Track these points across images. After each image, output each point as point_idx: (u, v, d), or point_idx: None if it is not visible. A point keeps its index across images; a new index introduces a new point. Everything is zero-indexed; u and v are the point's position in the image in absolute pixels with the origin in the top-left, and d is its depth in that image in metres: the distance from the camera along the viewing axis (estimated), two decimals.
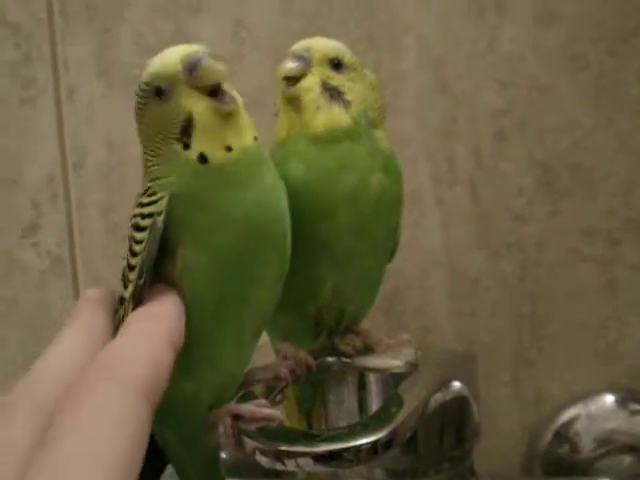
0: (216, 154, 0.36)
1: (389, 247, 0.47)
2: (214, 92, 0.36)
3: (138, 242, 0.36)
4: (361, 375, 0.48)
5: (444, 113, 0.59)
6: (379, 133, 0.44)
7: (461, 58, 0.58)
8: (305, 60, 0.42)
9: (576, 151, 0.58)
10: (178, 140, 0.36)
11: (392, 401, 0.43)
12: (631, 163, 0.58)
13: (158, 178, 0.36)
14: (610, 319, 0.59)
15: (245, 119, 0.37)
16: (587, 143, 0.58)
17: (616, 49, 0.57)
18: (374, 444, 0.39)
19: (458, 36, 0.58)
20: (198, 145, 0.36)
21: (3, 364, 0.66)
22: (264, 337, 0.43)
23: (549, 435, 0.60)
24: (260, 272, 0.38)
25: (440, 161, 0.59)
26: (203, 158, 0.36)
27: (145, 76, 0.36)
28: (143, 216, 0.36)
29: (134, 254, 0.36)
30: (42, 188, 0.64)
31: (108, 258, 0.64)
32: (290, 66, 0.42)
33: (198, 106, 0.36)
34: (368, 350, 0.49)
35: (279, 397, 0.45)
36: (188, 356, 0.37)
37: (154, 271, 0.36)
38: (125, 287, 0.36)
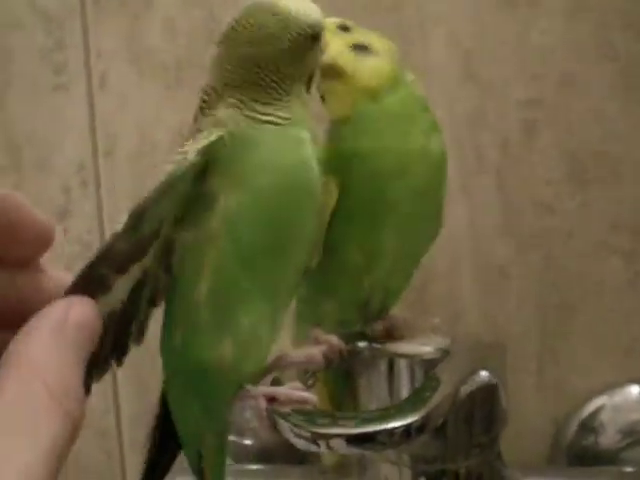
0: None
1: (439, 223, 0.48)
2: None
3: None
4: (391, 361, 0.49)
5: (473, 104, 0.59)
6: (409, 75, 0.46)
7: (490, 49, 0.59)
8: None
9: (605, 141, 0.58)
10: (307, 83, 0.39)
11: (425, 386, 0.43)
12: None
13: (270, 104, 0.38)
14: (635, 311, 0.59)
15: None
16: (616, 133, 0.58)
17: None
18: (407, 427, 0.39)
19: (488, 27, 0.59)
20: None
21: None
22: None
23: (574, 425, 0.60)
24: (300, 228, 0.39)
25: (468, 151, 0.59)
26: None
27: (302, 22, 0.38)
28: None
29: None
30: (73, 174, 0.65)
31: None
32: None
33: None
34: (399, 336, 0.50)
35: (311, 381, 0.45)
36: (227, 311, 0.38)
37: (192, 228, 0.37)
38: None
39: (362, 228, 0.44)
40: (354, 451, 0.42)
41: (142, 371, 0.64)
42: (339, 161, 0.43)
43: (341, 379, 0.51)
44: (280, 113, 0.38)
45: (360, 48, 0.44)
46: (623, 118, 0.58)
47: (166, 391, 0.42)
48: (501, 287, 0.60)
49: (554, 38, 0.58)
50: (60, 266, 0.31)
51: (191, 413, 0.42)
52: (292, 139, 0.38)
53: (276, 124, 0.37)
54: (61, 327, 0.26)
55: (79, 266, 0.30)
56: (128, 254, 0.34)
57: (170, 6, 0.61)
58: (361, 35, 0.44)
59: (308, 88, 0.40)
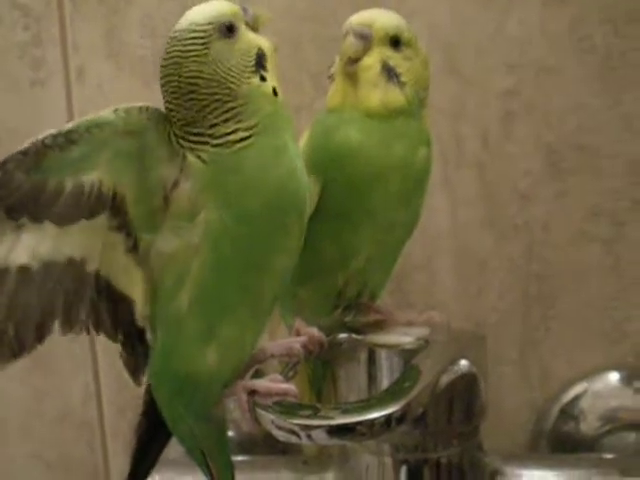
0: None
1: (416, 222, 0.48)
2: None
3: None
4: (371, 351, 0.49)
5: (452, 95, 0.59)
6: (424, 112, 0.46)
7: (470, 41, 0.59)
8: (367, 39, 0.44)
9: (582, 132, 0.59)
10: (254, 73, 0.38)
11: (405, 376, 0.43)
12: (637, 144, 0.58)
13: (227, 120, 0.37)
14: (616, 299, 0.60)
15: None
16: (593, 124, 0.58)
17: (622, 31, 0.57)
18: (387, 418, 0.39)
19: (467, 19, 0.59)
20: (271, 79, 0.38)
21: None
22: None
23: (555, 412, 0.61)
24: (283, 240, 0.39)
25: (448, 143, 0.59)
26: (275, 92, 0.38)
27: (199, 17, 0.37)
28: None
29: None
30: None
31: None
32: (353, 46, 0.44)
33: (262, 42, 0.39)
34: (378, 327, 0.50)
35: (291, 373, 0.46)
36: (210, 321, 0.38)
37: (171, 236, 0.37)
38: None
39: (338, 227, 0.45)
40: (335, 442, 0.42)
41: None
42: (321, 162, 0.44)
43: (321, 370, 0.51)
44: (244, 123, 0.37)
45: (389, 72, 0.45)
46: (600, 109, 0.58)
47: (152, 389, 0.43)
48: (482, 277, 0.61)
49: (531, 29, 0.58)
50: None
51: (180, 415, 0.43)
52: (270, 150, 0.38)
53: (247, 138, 0.37)
54: None
55: None
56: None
57: (148, 1, 0.61)
58: (402, 58, 0.45)
59: (263, 69, 0.39)
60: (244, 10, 0.39)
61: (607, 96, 0.58)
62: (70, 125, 0.36)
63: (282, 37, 0.42)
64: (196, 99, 0.37)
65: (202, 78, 0.37)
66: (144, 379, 0.41)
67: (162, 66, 0.38)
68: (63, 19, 0.61)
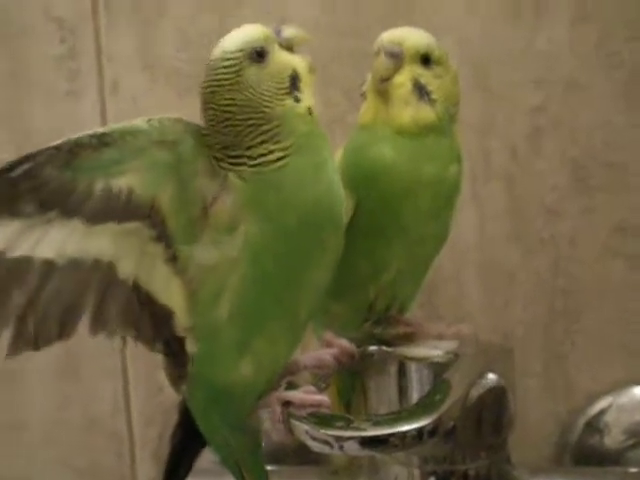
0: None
1: (446, 236, 0.49)
2: None
3: None
4: (401, 364, 0.50)
5: (481, 111, 0.60)
6: (455, 128, 0.47)
7: (499, 57, 0.60)
8: (398, 57, 0.45)
9: (609, 148, 0.59)
10: (288, 94, 0.38)
11: (436, 390, 0.44)
12: None
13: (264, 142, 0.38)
14: None
15: None
16: (620, 141, 0.59)
17: None
18: (419, 430, 0.40)
19: (496, 36, 0.60)
20: (305, 99, 0.39)
21: None
22: None
23: (580, 426, 0.61)
24: (320, 255, 0.40)
25: (477, 157, 0.60)
26: (310, 111, 0.39)
27: (230, 45, 0.38)
28: None
29: None
30: None
31: None
32: (385, 64, 0.45)
33: (296, 62, 0.39)
34: (408, 339, 0.51)
35: (323, 384, 0.46)
36: (247, 333, 0.39)
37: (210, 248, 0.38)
38: None
39: (370, 242, 0.46)
40: (367, 453, 0.43)
41: (153, 371, 0.64)
42: (354, 178, 0.45)
43: (350, 382, 0.52)
44: (280, 144, 0.38)
45: (420, 90, 0.45)
46: (627, 125, 0.59)
47: (187, 399, 0.44)
48: (508, 291, 0.61)
49: (560, 46, 0.59)
50: None
51: (215, 425, 0.44)
52: (308, 168, 0.39)
53: (283, 158, 0.38)
54: None
55: None
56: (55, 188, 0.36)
57: (182, 13, 0.62)
58: (433, 75, 0.46)
59: (297, 90, 0.39)
60: (277, 32, 0.40)
61: (634, 113, 0.59)
62: (104, 129, 0.37)
63: (314, 52, 0.43)
64: (232, 125, 0.38)
65: (236, 105, 0.38)
66: (185, 389, 0.41)
67: (201, 94, 0.39)
68: (98, 31, 0.63)
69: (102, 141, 0.36)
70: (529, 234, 0.61)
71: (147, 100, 0.62)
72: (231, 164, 0.38)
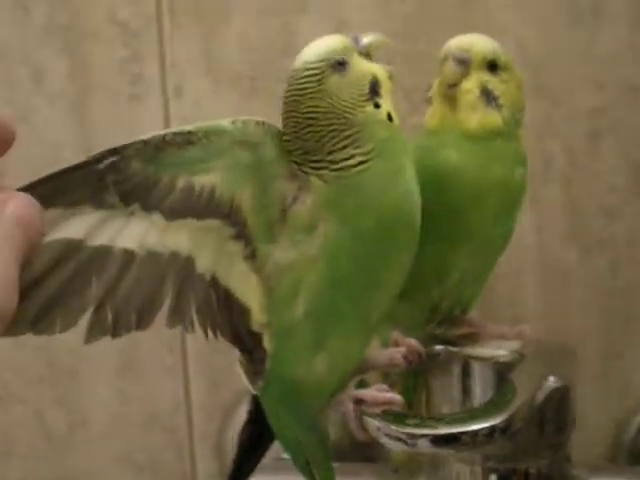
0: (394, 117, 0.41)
1: (510, 238, 0.50)
2: None
3: None
4: (465, 364, 0.50)
5: (540, 113, 0.60)
6: (520, 132, 0.48)
7: (558, 59, 0.60)
8: (466, 64, 0.46)
9: None
10: (369, 101, 0.40)
11: (505, 389, 0.45)
12: None
13: (345, 147, 0.39)
14: None
15: None
16: None
17: None
18: (491, 429, 0.41)
19: (555, 38, 0.60)
20: (385, 105, 0.40)
21: None
22: None
23: (635, 426, 0.62)
24: (395, 257, 0.41)
25: (535, 159, 0.60)
26: (390, 117, 0.40)
27: (312, 55, 0.40)
28: None
29: None
30: None
31: None
32: (453, 70, 0.46)
33: (376, 69, 0.41)
34: (471, 340, 0.52)
35: (392, 383, 0.47)
36: (322, 331, 0.40)
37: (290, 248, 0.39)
38: None
39: (436, 245, 0.46)
40: (438, 451, 0.44)
41: (214, 367, 0.66)
42: (421, 182, 0.45)
43: (412, 381, 0.53)
44: (361, 149, 0.39)
45: (488, 95, 0.46)
46: None
47: (260, 395, 0.45)
48: (565, 291, 0.62)
49: (619, 47, 0.59)
50: None
51: (286, 422, 0.44)
52: (387, 173, 0.40)
53: (364, 162, 0.39)
54: None
55: None
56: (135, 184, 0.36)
57: (245, 18, 0.63)
58: (499, 81, 0.46)
59: (377, 96, 0.40)
60: (355, 40, 0.41)
61: None
62: (190, 127, 0.38)
63: (376, 54, 0.44)
64: (314, 131, 0.39)
65: (318, 112, 0.39)
66: (261, 385, 0.42)
67: (284, 104, 0.40)
68: (162, 36, 0.64)
69: (187, 139, 0.37)
70: (587, 235, 0.61)
71: (210, 104, 0.63)
72: (313, 168, 0.39)
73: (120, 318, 0.37)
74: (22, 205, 0.28)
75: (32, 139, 0.66)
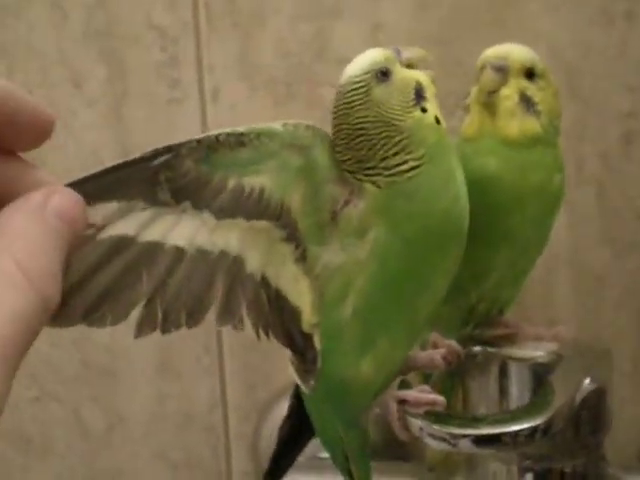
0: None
1: (547, 242, 0.51)
2: None
3: None
4: (503, 364, 0.51)
5: (574, 117, 0.61)
6: (558, 140, 0.49)
7: (591, 63, 0.61)
8: (504, 71, 0.46)
9: None
10: (415, 106, 0.41)
11: (546, 390, 0.46)
12: None
13: (397, 154, 0.40)
14: None
15: None
16: None
17: None
18: (533, 430, 0.42)
19: (588, 42, 0.61)
20: (432, 109, 0.41)
21: None
22: None
23: None
24: (443, 262, 0.42)
25: (569, 163, 0.61)
26: (437, 120, 0.41)
27: (356, 69, 0.41)
28: None
29: None
30: None
31: None
32: (492, 77, 0.46)
33: (419, 75, 0.42)
34: (508, 340, 0.53)
35: (432, 384, 0.48)
36: (369, 333, 0.41)
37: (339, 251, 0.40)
38: None
39: (476, 249, 0.47)
40: (480, 451, 0.45)
41: (250, 366, 0.67)
42: None
43: (449, 382, 0.53)
44: (413, 154, 0.40)
45: (527, 102, 0.47)
46: None
47: (301, 392, 0.45)
48: (599, 293, 0.63)
49: None
50: None
51: (329, 420, 0.45)
52: (439, 178, 0.41)
53: (417, 167, 0.40)
54: (40, 212, 0.27)
55: None
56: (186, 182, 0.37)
57: (280, 23, 0.64)
58: (537, 89, 0.47)
59: (423, 100, 0.41)
60: (397, 52, 0.42)
61: None
62: (242, 129, 0.38)
63: (430, 61, 0.45)
64: (365, 140, 0.40)
65: (368, 122, 0.40)
66: (313, 384, 0.43)
67: (333, 118, 0.41)
68: (199, 41, 0.65)
69: (239, 140, 0.38)
70: (620, 237, 0.62)
71: (246, 108, 0.64)
72: (366, 175, 0.40)
73: (170, 314, 0.38)
74: (67, 200, 0.28)
75: (70, 143, 0.68)
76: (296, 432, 0.49)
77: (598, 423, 0.51)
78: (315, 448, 0.50)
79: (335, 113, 0.41)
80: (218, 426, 0.69)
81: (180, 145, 0.37)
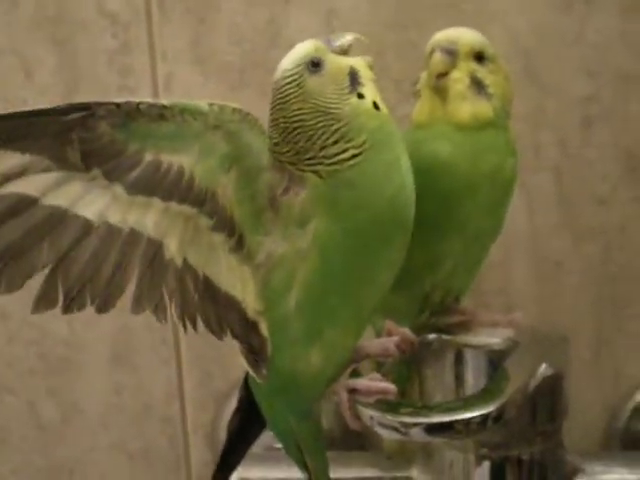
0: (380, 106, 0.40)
1: (501, 228, 0.50)
2: None
3: None
4: (458, 352, 0.51)
5: (531, 102, 0.60)
6: (509, 123, 0.48)
7: (549, 48, 0.60)
8: (454, 54, 0.46)
9: None
10: (352, 92, 0.39)
11: (499, 377, 0.45)
12: None
13: (336, 142, 0.39)
14: None
15: None
16: None
17: None
18: (484, 417, 0.41)
19: (546, 26, 0.60)
20: (369, 94, 0.40)
21: None
22: None
23: (628, 412, 0.62)
24: (387, 252, 0.41)
25: (527, 148, 0.61)
26: (377, 106, 0.40)
27: (288, 63, 0.40)
28: None
29: None
30: None
31: None
32: (441, 60, 0.46)
33: (353, 61, 0.40)
34: (464, 328, 0.52)
35: (385, 372, 0.47)
36: (315, 324, 0.40)
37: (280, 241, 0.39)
38: None
39: (428, 236, 0.46)
40: (432, 440, 0.44)
41: (207, 357, 0.66)
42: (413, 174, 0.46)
43: (405, 370, 0.53)
44: (353, 142, 0.39)
45: (478, 84, 0.46)
46: None
47: (252, 385, 0.45)
48: (558, 279, 0.62)
49: (610, 36, 0.59)
50: None
51: (280, 412, 0.45)
52: (383, 166, 0.39)
53: (358, 155, 0.39)
54: None
55: None
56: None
57: (234, 8, 0.63)
58: (488, 72, 0.46)
59: (359, 86, 0.40)
60: (327, 41, 0.41)
61: None
62: (166, 102, 0.37)
63: (366, 44, 0.44)
64: (303, 131, 0.39)
65: (305, 113, 0.39)
66: (265, 373, 0.42)
67: (270, 114, 0.40)
68: (151, 27, 0.63)
69: (161, 113, 0.37)
70: (579, 223, 0.61)
71: (200, 95, 0.62)
72: (307, 165, 0.39)
73: (72, 292, 0.36)
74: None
75: None
76: (246, 425, 0.48)
77: (554, 409, 0.50)
78: (271, 439, 0.49)
79: (272, 109, 0.40)
80: (175, 416, 0.68)
81: (98, 104, 0.35)
